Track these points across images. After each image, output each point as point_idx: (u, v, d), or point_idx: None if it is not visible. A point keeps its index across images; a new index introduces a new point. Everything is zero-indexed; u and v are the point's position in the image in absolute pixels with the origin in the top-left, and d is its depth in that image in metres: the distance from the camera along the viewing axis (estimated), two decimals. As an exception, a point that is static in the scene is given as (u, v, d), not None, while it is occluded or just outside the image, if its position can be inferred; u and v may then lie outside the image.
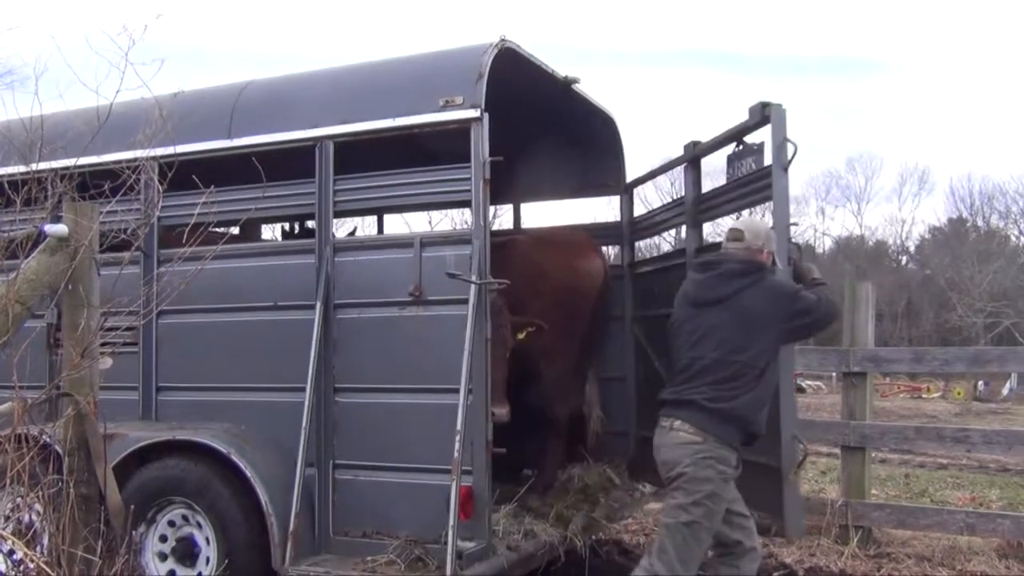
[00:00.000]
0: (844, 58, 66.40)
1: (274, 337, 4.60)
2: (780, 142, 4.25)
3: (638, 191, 6.16)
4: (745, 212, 5.04)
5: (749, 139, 4.73)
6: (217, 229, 5.56)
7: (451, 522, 3.88)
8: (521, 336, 5.03)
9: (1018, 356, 6.27)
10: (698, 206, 5.33)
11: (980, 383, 29.03)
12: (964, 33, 62.53)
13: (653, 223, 6.15)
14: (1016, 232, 44.44)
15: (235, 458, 4.31)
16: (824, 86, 63.45)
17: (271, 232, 7.63)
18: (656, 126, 57.91)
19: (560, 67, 5.05)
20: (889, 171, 46.17)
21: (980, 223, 45.24)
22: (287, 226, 6.71)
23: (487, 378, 4.16)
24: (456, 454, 3.92)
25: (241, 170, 4.58)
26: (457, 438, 3.94)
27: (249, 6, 60.13)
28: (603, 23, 66.26)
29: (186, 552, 4.52)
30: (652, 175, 6.59)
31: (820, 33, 65.96)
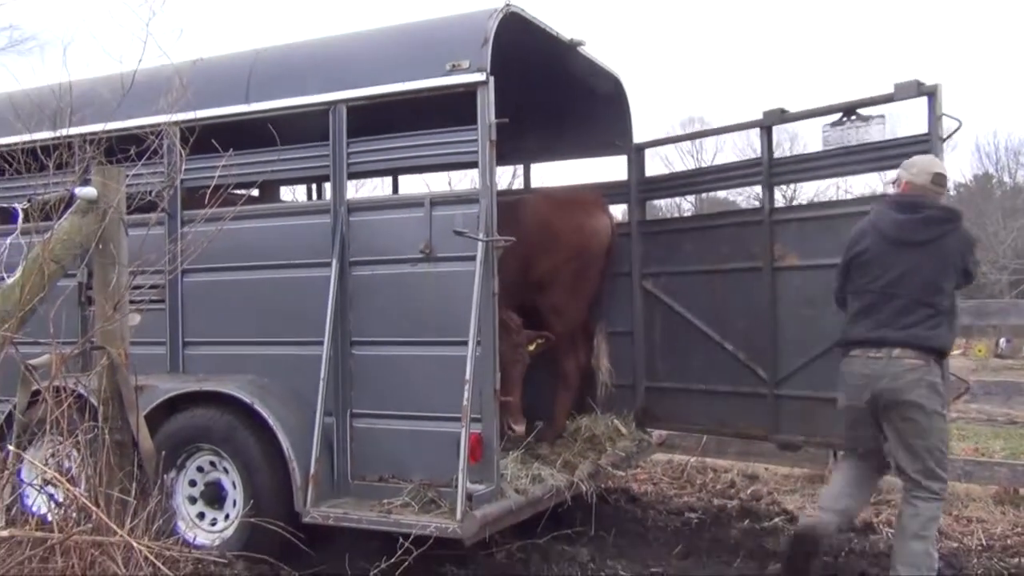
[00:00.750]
0: (859, 10, 64.96)
1: (293, 293, 4.83)
2: (938, 117, 4.73)
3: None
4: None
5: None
6: (237, 191, 5.80)
7: (461, 466, 4.12)
8: (532, 348, 5.32)
9: (1019, 309, 6.32)
10: (775, 168, 5.57)
11: (1002, 340, 28.89)
12: (994, -16, 61.02)
13: (694, 181, 6.75)
14: (1044, 188, 43.81)
15: (259, 407, 4.58)
16: (837, 38, 62.20)
17: (291, 194, 7.86)
18: (661, 89, 57.19)
19: (578, 26, 5.13)
20: (911, 127, 45.28)
21: (1007, 179, 44.56)
22: (311, 188, 6.93)
23: (495, 330, 4.37)
24: (465, 402, 4.15)
25: (258, 133, 4.79)
26: (466, 387, 4.16)
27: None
28: None
29: (214, 496, 4.81)
30: (698, 135, 6.72)
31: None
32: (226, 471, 4.75)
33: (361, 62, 4.75)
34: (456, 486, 4.15)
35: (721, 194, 21.17)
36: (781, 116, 5.55)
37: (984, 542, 5.32)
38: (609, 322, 6.04)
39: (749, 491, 6.64)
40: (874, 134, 5.09)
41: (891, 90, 4.97)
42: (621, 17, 61.92)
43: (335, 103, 4.67)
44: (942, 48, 58.89)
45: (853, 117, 5.15)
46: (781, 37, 63.06)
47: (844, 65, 59.77)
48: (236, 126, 4.90)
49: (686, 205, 30.12)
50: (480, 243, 4.28)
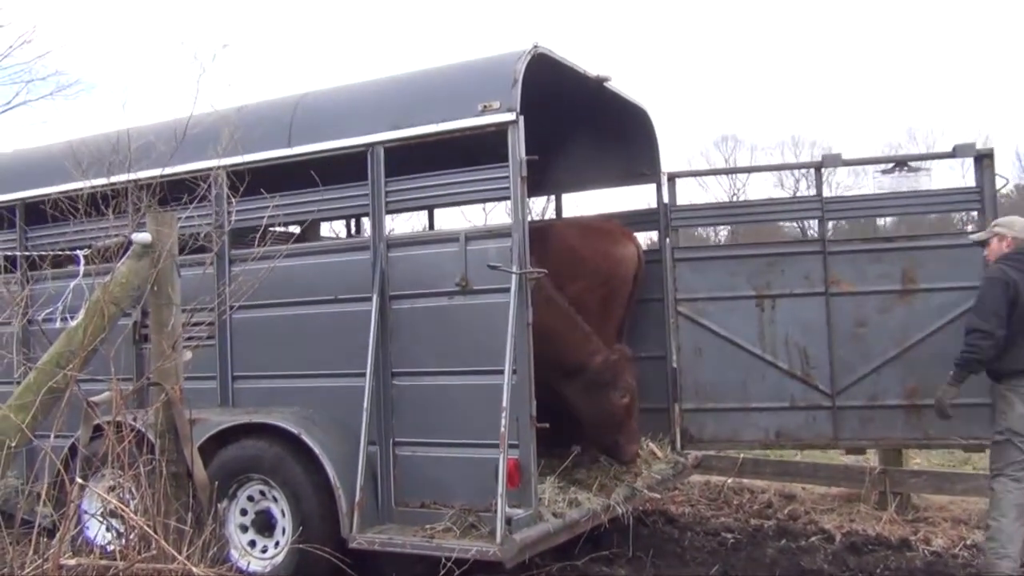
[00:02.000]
0: (893, 25, 64.51)
1: (335, 328, 5.04)
2: (993, 181, 6.03)
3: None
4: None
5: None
6: (281, 230, 6.06)
7: (500, 491, 4.27)
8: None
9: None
10: (827, 205, 6.37)
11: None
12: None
13: (735, 213, 7.48)
14: (1087, 197, 43.02)
15: (305, 438, 4.78)
16: (875, 54, 61.86)
17: (330, 230, 8.12)
18: (695, 107, 57.15)
19: (611, 59, 5.35)
20: (950, 140, 44.79)
21: (1049, 189, 43.83)
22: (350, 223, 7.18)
23: (530, 359, 4.53)
24: (503, 428, 4.31)
25: (300, 174, 5.04)
26: (504, 414, 4.32)
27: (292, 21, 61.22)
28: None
29: (264, 524, 5.00)
30: (696, 172, 6.92)
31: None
32: (275, 500, 4.95)
33: (397, 105, 4.97)
34: (495, 510, 4.30)
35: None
36: (837, 160, 6.42)
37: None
38: (642, 347, 6.18)
39: (786, 511, 6.70)
40: (923, 183, 6.11)
41: (950, 148, 6.14)
42: (653, 37, 62.17)
43: (373, 145, 4.90)
44: (977, 56, 58.28)
45: (904, 167, 6.06)
46: (810, 54, 62.83)
47: (879, 79, 59.37)
48: (279, 169, 5.14)
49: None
50: (514, 275, 4.46)
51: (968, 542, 5.70)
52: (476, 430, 4.61)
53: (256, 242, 4.45)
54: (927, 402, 5.86)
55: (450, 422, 4.74)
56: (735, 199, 37.36)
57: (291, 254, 5.08)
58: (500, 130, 4.57)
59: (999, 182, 6.06)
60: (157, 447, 4.14)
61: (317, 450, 4.75)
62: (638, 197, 6.85)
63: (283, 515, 4.90)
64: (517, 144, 4.52)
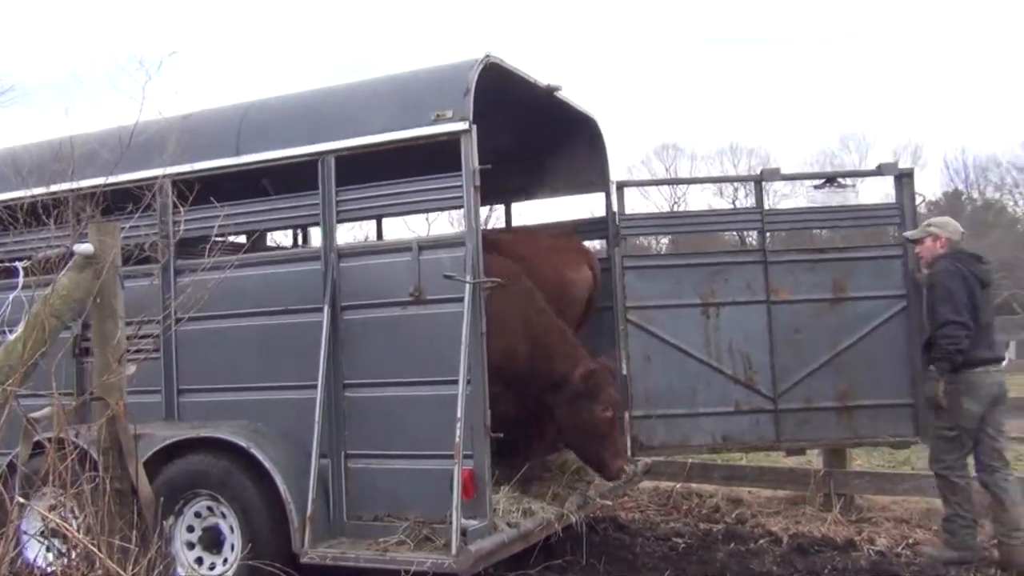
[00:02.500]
0: (828, 35, 66.19)
1: (286, 339, 4.96)
2: (912, 197, 6.50)
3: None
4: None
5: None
6: (228, 240, 5.94)
7: (455, 502, 4.24)
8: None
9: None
10: (766, 217, 6.59)
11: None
12: (952, 5, 62.56)
13: (682, 223, 7.52)
14: (1012, 203, 44.62)
15: (255, 451, 4.68)
16: (808, 63, 63.36)
17: (275, 239, 7.99)
18: (635, 116, 57.85)
19: (555, 67, 5.38)
20: (882, 148, 46.09)
21: (975, 195, 45.36)
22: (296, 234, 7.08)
23: (484, 369, 4.51)
24: (457, 439, 4.28)
25: (248, 184, 4.96)
26: (458, 425, 4.30)
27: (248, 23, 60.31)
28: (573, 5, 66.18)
29: (212, 540, 4.89)
30: (645, 182, 7.02)
31: (798, 11, 65.83)
32: (223, 516, 4.84)
33: (348, 114, 4.92)
34: (450, 522, 4.27)
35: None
36: (776, 174, 6.81)
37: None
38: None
39: (734, 515, 6.79)
40: (850, 198, 6.81)
41: (876, 168, 6.78)
42: (591, 45, 62.76)
43: (323, 154, 4.83)
44: (908, 67, 60.09)
45: (834, 183, 6.55)
46: (747, 62, 64.08)
47: (814, 88, 60.80)
48: (227, 178, 5.04)
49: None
50: (468, 285, 4.44)
51: (910, 541, 5.85)
52: (430, 441, 4.57)
53: (207, 252, 4.35)
54: (857, 403, 6.34)
55: (403, 433, 4.69)
56: (675, 208, 38.12)
57: (239, 264, 4.98)
58: (453, 139, 4.55)
59: (917, 199, 6.53)
60: (100, 464, 4.03)
61: (267, 464, 4.66)
62: (584, 206, 6.93)
63: (232, 531, 4.80)
64: (470, 153, 4.51)
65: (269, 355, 5.00)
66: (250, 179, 5.01)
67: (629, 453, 6.20)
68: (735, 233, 24.64)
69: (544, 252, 5.91)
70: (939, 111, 58.47)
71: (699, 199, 41.51)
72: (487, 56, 4.71)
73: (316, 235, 7.57)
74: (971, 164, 44.59)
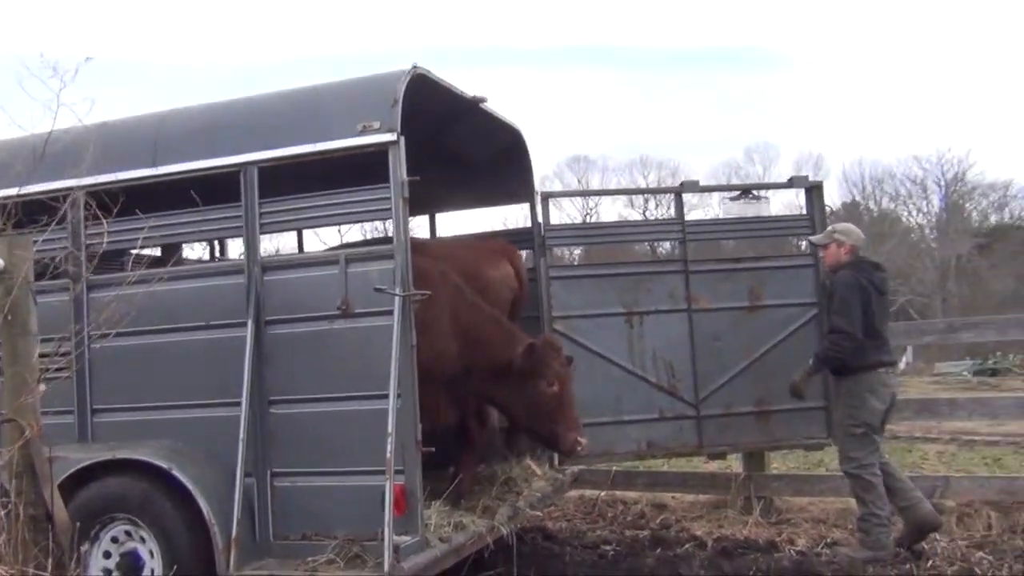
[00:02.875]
0: (732, 49, 68.51)
1: (207, 355, 4.81)
2: (822, 209, 6.81)
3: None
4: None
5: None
6: (141, 252, 5.73)
7: (387, 518, 4.18)
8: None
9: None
10: (687, 228, 6.73)
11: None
12: (850, 21, 65.48)
13: (605, 233, 7.46)
14: (906, 213, 46.76)
15: (176, 472, 4.52)
16: (715, 77, 65.44)
17: (192, 251, 7.76)
18: (545, 128, 58.54)
19: (436, 67, 5.25)
20: (786, 159, 47.82)
21: (872, 206, 47.33)
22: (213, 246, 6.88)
23: (415, 382, 4.47)
24: (389, 454, 4.22)
25: (168, 195, 4.79)
26: (389, 440, 4.24)
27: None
28: (483, 20, 66.86)
29: (130, 566, 4.68)
30: (574, 192, 7.08)
31: (704, 24, 67.95)
32: (143, 540, 4.65)
33: (271, 123, 4.81)
34: (382, 539, 4.20)
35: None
36: (695, 186, 7.12)
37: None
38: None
39: (659, 520, 6.91)
40: (763, 210, 7.11)
41: (787, 181, 7.19)
42: (501, 55, 63.16)
43: (246, 164, 4.72)
44: (810, 79, 62.42)
45: (749, 195, 6.93)
46: (654, 76, 65.54)
47: (719, 101, 62.56)
48: (144, 189, 4.87)
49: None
50: (398, 298, 4.39)
51: (828, 540, 6.05)
52: (359, 457, 4.49)
53: (128, 266, 4.18)
54: (774, 408, 6.57)
55: (332, 450, 4.59)
56: (588, 219, 38.62)
57: (157, 279, 4.80)
58: (380, 150, 4.50)
59: (827, 210, 6.94)
60: (12, 489, 3.83)
61: (189, 485, 4.50)
62: (501, 217, 6.99)
63: (152, 556, 4.61)
64: (398, 164, 4.47)
65: (189, 372, 4.84)
66: (169, 190, 4.84)
67: (557, 463, 6.24)
68: (646, 244, 25.21)
69: (460, 250, 5.89)
70: (839, 123, 60.98)
71: (610, 210, 42.22)
72: (414, 67, 4.68)
73: (232, 248, 7.46)
74: (867, 175, 46.56)
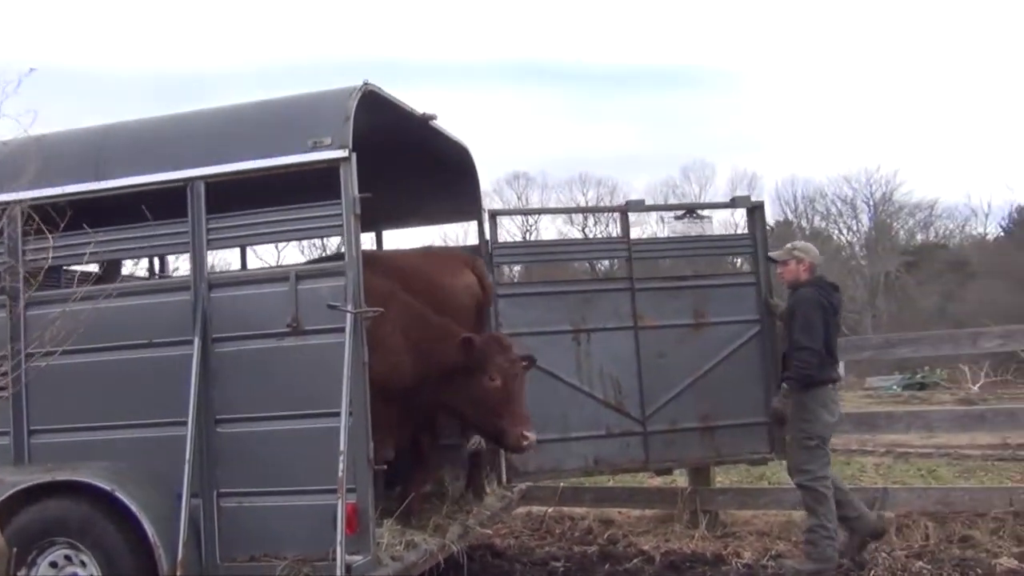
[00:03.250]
0: (669, 68, 69.79)
1: (151, 374, 4.70)
2: (763, 228, 6.98)
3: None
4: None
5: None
6: (77, 268, 5.59)
7: (339, 538, 4.13)
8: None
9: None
10: (633, 247, 6.83)
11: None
12: (785, 43, 67.29)
13: (552, 251, 7.75)
14: (837, 231, 48.00)
15: (119, 494, 4.40)
16: (653, 96, 66.57)
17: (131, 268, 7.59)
18: (484, 144, 58.96)
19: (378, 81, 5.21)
20: (721, 178, 48.74)
21: (804, 224, 48.47)
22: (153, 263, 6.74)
23: (366, 400, 4.43)
24: (340, 473, 4.18)
25: (112, 210, 4.69)
26: (341, 458, 4.19)
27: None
28: (420, 34, 67.12)
29: (70, 592, 4.55)
30: (522, 211, 7.13)
31: (642, 44, 69.23)
32: (83, 564, 4.51)
33: (220, 138, 4.76)
34: (332, 559, 4.15)
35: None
36: (640, 205, 7.48)
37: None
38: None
39: (606, 535, 6.94)
40: (707, 229, 7.17)
41: (729, 201, 7.48)
42: (439, 73, 63.28)
43: (193, 179, 4.64)
44: (745, 98, 63.91)
45: (693, 215, 7.00)
46: (591, 96, 66.39)
47: (655, 120, 63.60)
48: (87, 204, 4.76)
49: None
50: (349, 315, 4.36)
51: (773, 553, 6.14)
52: (309, 476, 4.43)
53: (64, 283, 4.07)
54: (718, 423, 6.67)
55: (281, 469, 4.52)
56: (527, 237, 38.80)
57: (100, 295, 4.69)
58: (332, 167, 4.47)
59: (768, 231, 7.17)
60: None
61: (133, 507, 4.39)
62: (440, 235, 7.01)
63: (93, 581, 4.48)
64: (350, 181, 4.45)
65: (133, 391, 4.72)
66: (113, 206, 4.73)
67: (506, 480, 6.23)
68: (586, 263, 25.42)
69: (419, 260, 5.83)
70: (773, 142, 62.51)
71: (550, 228, 42.48)
72: (365, 83, 4.68)
73: (173, 264, 7.32)
74: (800, 195, 47.73)
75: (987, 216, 45.21)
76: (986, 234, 45.05)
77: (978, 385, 23.68)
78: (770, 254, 6.51)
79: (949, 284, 36.75)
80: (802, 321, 5.76)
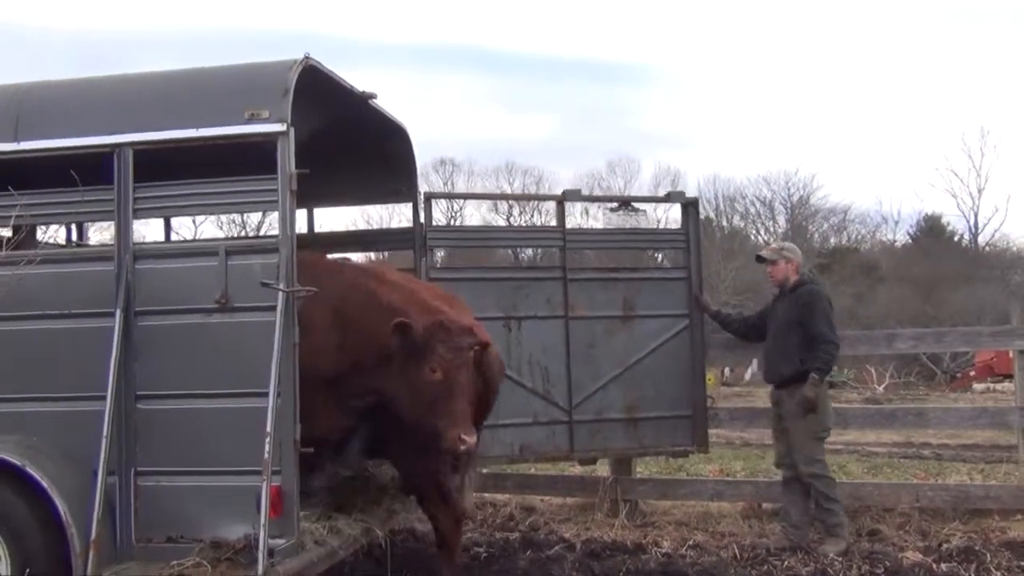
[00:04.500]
0: (597, 61, 70.33)
1: (68, 346, 4.52)
2: (697, 224, 7.13)
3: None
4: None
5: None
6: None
7: (262, 520, 4.04)
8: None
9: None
10: (568, 236, 6.89)
11: (727, 369, 32.05)
12: (714, 41, 68.48)
13: (487, 237, 8.11)
14: (755, 231, 49.14)
15: (30, 470, 4.22)
16: (582, 88, 66.99)
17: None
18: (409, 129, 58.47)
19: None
20: (646, 173, 49.37)
21: (724, 223, 49.49)
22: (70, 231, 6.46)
23: (295, 381, 4.34)
24: (266, 455, 4.09)
25: (26, 175, 4.48)
26: (267, 439, 4.10)
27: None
28: (340, 11, 66.20)
29: (-26, 572, 4.34)
30: (458, 195, 7.10)
31: (571, 34, 69.59)
32: (-12, 543, 4.31)
33: (151, 104, 4.56)
34: (255, 542, 4.06)
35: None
36: (577, 195, 7.41)
37: (737, 554, 5.94)
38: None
39: (528, 522, 6.99)
40: (641, 222, 7.30)
41: (664, 195, 7.70)
42: (368, 56, 62.48)
43: (121, 146, 4.46)
44: (668, 96, 64.87)
45: (628, 207, 7.07)
46: (520, 85, 66.51)
47: (583, 112, 64.07)
48: (2, 166, 4.52)
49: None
50: (281, 293, 4.26)
51: (691, 543, 6.24)
52: (233, 457, 4.33)
53: None
54: (643, 415, 6.81)
55: (203, 449, 4.40)
56: (452, 223, 38.62)
57: (9, 262, 4.48)
58: (268, 140, 4.35)
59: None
60: None
61: (45, 483, 4.21)
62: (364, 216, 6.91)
63: (0, 560, 4.29)
64: (287, 156, 4.34)
65: (47, 362, 4.52)
66: (32, 168, 4.51)
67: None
68: (510, 252, 25.46)
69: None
70: (697, 140, 63.64)
71: (475, 215, 42.34)
72: (307, 57, 4.56)
73: (94, 233, 7.05)
74: (721, 194, 48.68)
75: (896, 223, 47.06)
76: (895, 240, 46.90)
77: (883, 386, 24.65)
78: (759, 253, 6.67)
79: (860, 287, 38.03)
80: (823, 315, 6.06)
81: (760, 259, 6.58)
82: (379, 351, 4.71)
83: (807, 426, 6.05)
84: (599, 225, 7.70)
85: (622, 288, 6.89)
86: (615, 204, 7.21)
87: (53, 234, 6.65)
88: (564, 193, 7.07)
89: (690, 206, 7.11)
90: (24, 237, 5.69)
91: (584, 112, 63.75)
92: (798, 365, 6.06)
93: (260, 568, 4.00)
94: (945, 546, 5.93)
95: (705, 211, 49.60)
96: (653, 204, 9.10)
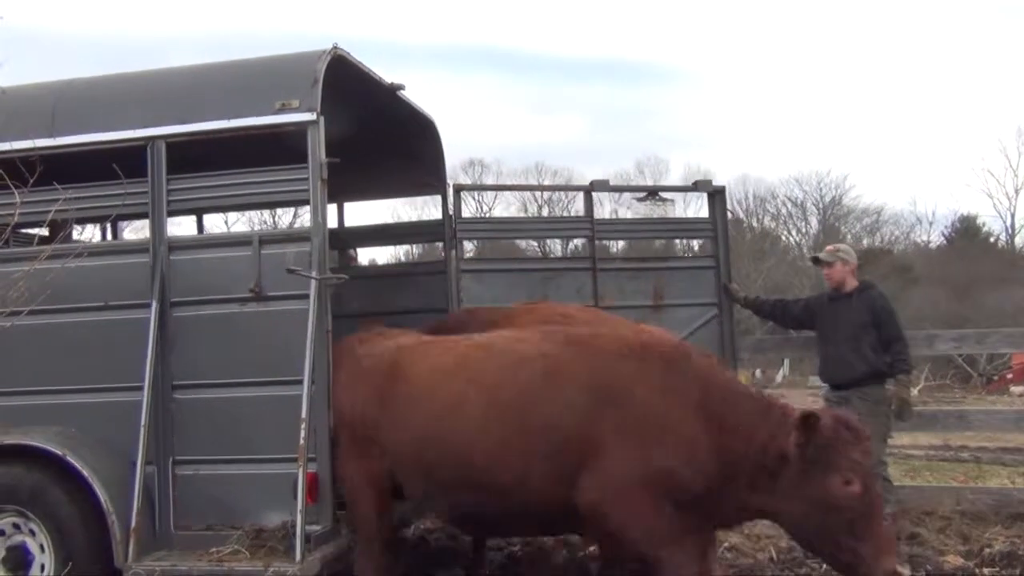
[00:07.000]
0: (627, 61, 70.24)
1: (106, 337, 4.58)
2: (724, 213, 6.93)
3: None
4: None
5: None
6: (31, 231, 5.42)
7: (299, 507, 4.07)
8: None
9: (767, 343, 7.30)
10: (597, 226, 6.76)
11: (757, 371, 31.80)
12: (743, 42, 68.18)
13: (517, 228, 8.16)
14: (786, 232, 48.73)
15: (71, 459, 4.29)
16: (610, 90, 66.97)
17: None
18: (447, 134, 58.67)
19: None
20: (675, 174, 49.14)
21: (755, 224, 49.10)
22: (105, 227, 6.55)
23: (328, 368, 4.36)
24: (302, 442, 4.11)
25: (61, 170, 4.54)
26: (302, 426, 4.13)
27: None
28: (373, 13, 66.59)
29: (18, 561, 4.42)
30: (487, 187, 7.13)
31: (601, 36, 69.68)
32: (32, 533, 4.39)
33: (183, 97, 4.64)
34: (292, 528, 4.09)
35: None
36: (605, 185, 7.22)
37: (774, 556, 5.85)
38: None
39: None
40: (669, 211, 7.56)
41: (692, 184, 7.17)
42: (396, 57, 62.90)
43: (153, 139, 4.52)
44: (698, 96, 64.56)
45: (656, 197, 7.13)
46: (550, 88, 66.56)
47: (612, 115, 63.98)
48: (40, 161, 4.59)
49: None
50: (313, 281, 4.29)
51: (727, 545, 5.93)
52: (268, 445, 4.37)
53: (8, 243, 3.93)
54: None
55: (239, 437, 4.46)
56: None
57: (55, 256, 4.54)
58: (299, 130, 4.40)
59: (729, 215, 7.27)
60: None
61: (86, 473, 4.28)
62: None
63: (42, 550, 4.37)
64: (317, 145, 4.38)
65: (87, 354, 4.60)
66: (67, 164, 4.58)
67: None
68: (533, 243, 25.53)
69: None
70: (727, 140, 63.28)
71: (503, 213, 42.30)
72: (335, 47, 4.60)
73: (128, 233, 7.13)
74: (751, 194, 48.34)
75: (931, 224, 46.39)
76: (929, 242, 46.20)
77: (918, 388, 24.30)
78: (817, 255, 6.62)
79: (893, 288, 37.52)
80: (889, 317, 6.09)
81: (816, 261, 6.53)
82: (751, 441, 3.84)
83: (877, 428, 5.90)
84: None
85: (652, 278, 6.83)
86: (643, 194, 7.19)
87: (90, 235, 6.77)
88: (592, 183, 7.00)
89: (717, 195, 7.03)
90: (57, 232, 5.80)
91: (612, 113, 63.79)
92: (873, 366, 6.02)
93: (297, 554, 4.04)
94: (987, 551, 5.78)
95: (734, 211, 49.62)
96: (683, 196, 9.05)
